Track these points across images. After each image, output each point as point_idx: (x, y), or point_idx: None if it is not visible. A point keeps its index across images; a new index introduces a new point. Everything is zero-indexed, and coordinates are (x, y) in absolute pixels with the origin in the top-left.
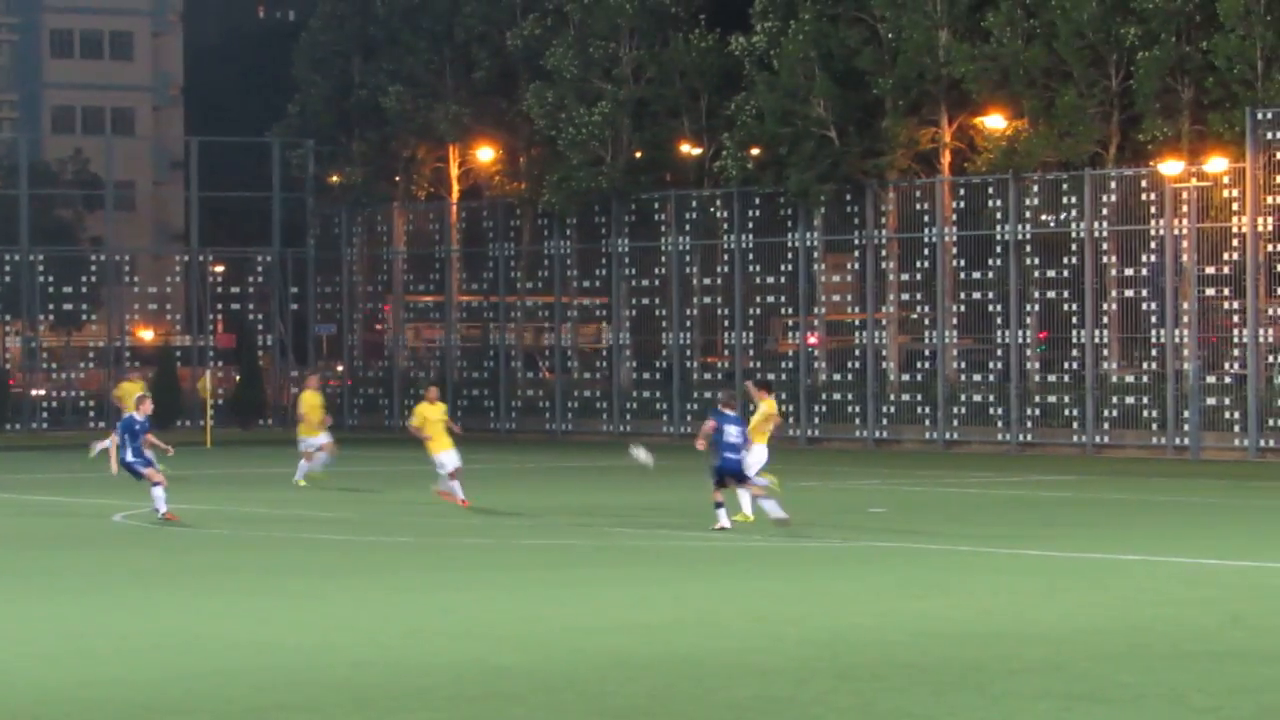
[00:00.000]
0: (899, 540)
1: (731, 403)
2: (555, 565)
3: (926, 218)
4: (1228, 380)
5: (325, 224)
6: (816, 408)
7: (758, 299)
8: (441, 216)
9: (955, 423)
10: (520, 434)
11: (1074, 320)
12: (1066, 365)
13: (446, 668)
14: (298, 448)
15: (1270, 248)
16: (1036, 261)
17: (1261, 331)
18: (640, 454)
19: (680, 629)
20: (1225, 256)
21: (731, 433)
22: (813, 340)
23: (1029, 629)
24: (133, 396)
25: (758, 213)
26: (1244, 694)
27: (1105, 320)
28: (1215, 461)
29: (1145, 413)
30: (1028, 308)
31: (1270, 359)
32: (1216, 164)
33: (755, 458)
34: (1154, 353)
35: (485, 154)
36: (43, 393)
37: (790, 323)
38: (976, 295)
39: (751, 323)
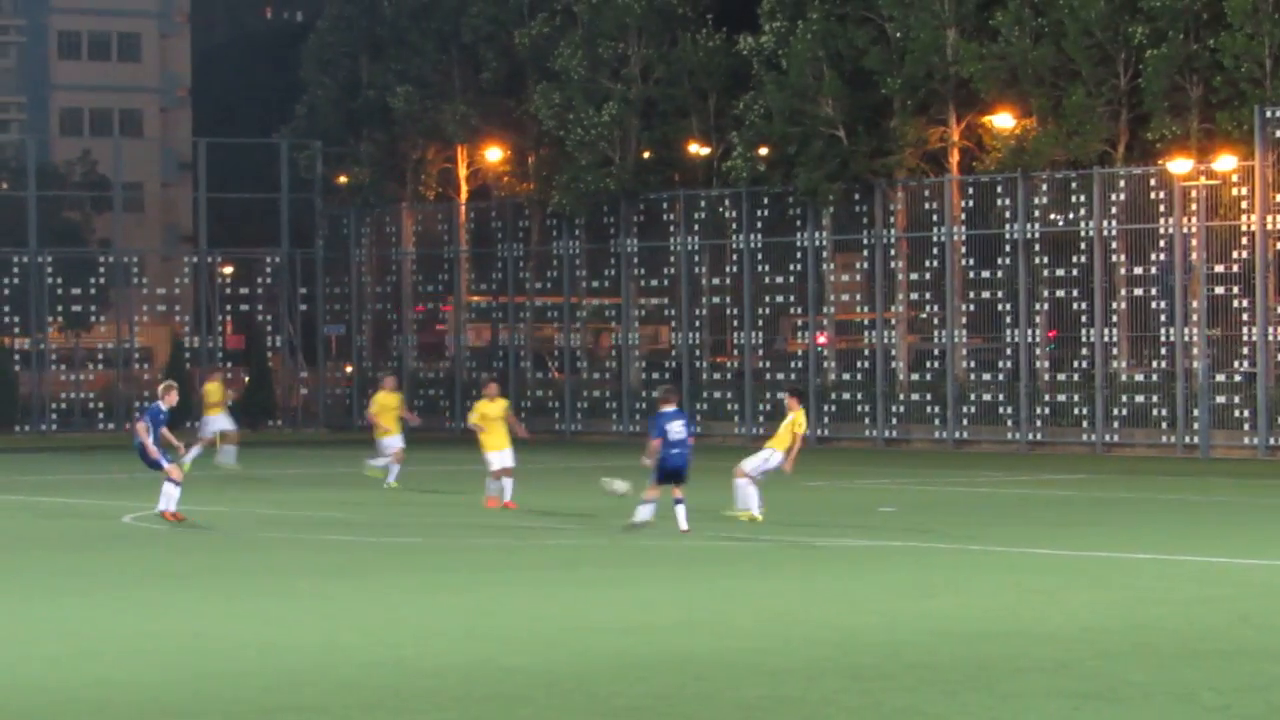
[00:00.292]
0: (909, 539)
1: (671, 398)
2: (563, 566)
3: (935, 217)
4: (1237, 379)
5: (333, 225)
6: (826, 407)
7: (766, 299)
8: (450, 217)
9: (965, 422)
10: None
11: (1083, 319)
12: (1076, 364)
13: (455, 668)
14: (378, 450)
15: None
16: (1045, 260)
17: (1271, 330)
18: (616, 485)
19: (689, 629)
20: (1234, 255)
21: (676, 428)
22: (822, 340)
23: (1038, 628)
24: (218, 395)
25: (766, 212)
26: (1253, 692)
27: (1114, 319)
28: (1225, 460)
29: (1155, 411)
30: (1037, 307)
31: None
32: (1225, 162)
33: (771, 463)
34: (1163, 351)
35: (493, 154)
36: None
37: (799, 322)
38: (985, 294)
39: (760, 322)
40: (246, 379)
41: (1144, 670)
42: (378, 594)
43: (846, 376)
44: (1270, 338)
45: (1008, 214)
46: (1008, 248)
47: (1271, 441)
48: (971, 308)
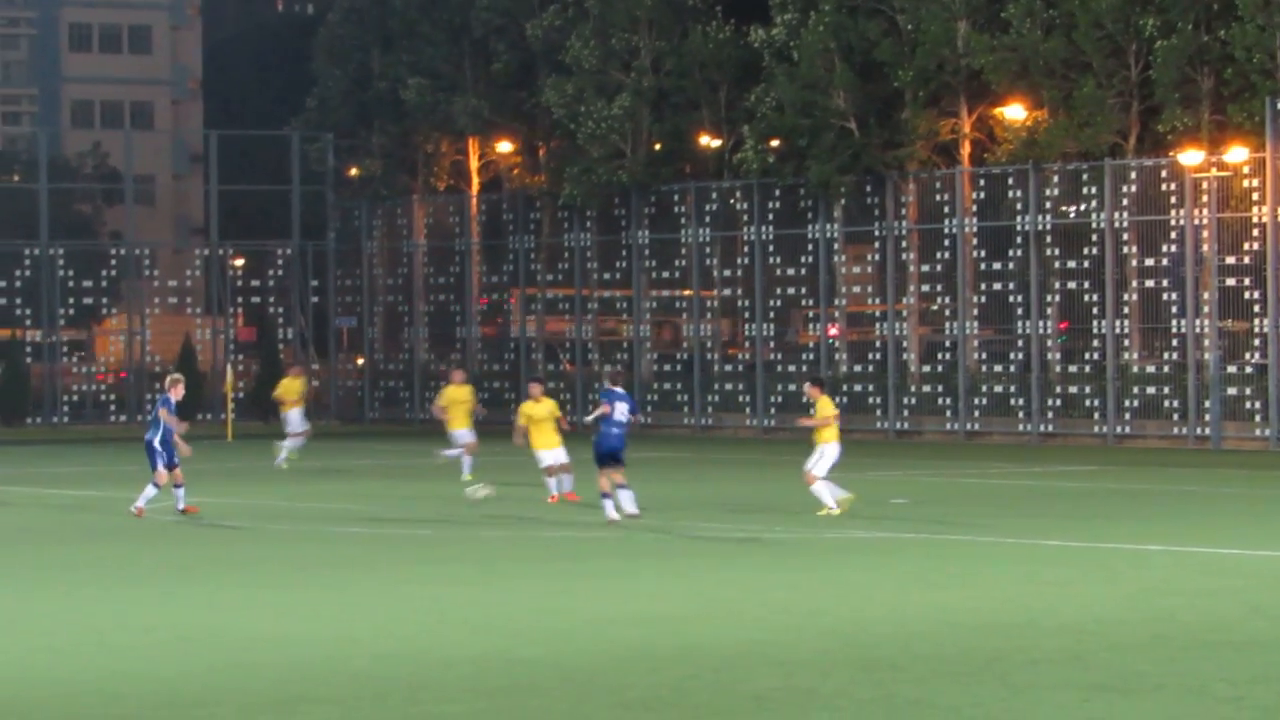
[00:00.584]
0: (920, 531)
1: (618, 379)
2: (575, 557)
3: (946, 209)
4: (1249, 370)
5: (345, 217)
6: (837, 399)
7: (778, 290)
8: (461, 209)
9: (976, 413)
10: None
11: (1094, 311)
12: (1087, 356)
13: (467, 660)
14: (450, 442)
15: None
16: (1057, 252)
17: None
18: (479, 492)
19: (701, 621)
20: (1246, 246)
21: (619, 409)
22: (833, 332)
23: (1050, 619)
24: (295, 392)
25: (778, 204)
26: (1266, 683)
27: (1126, 311)
28: (1236, 451)
29: (1166, 403)
30: (1048, 298)
31: None
32: (1236, 154)
33: (828, 458)
34: (1175, 343)
35: (505, 147)
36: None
37: (810, 314)
38: (997, 286)
39: (772, 314)
40: (257, 370)
41: (1156, 661)
42: (390, 586)
43: (858, 368)
44: None
45: (1019, 206)
46: (1019, 239)
47: None
48: (983, 299)
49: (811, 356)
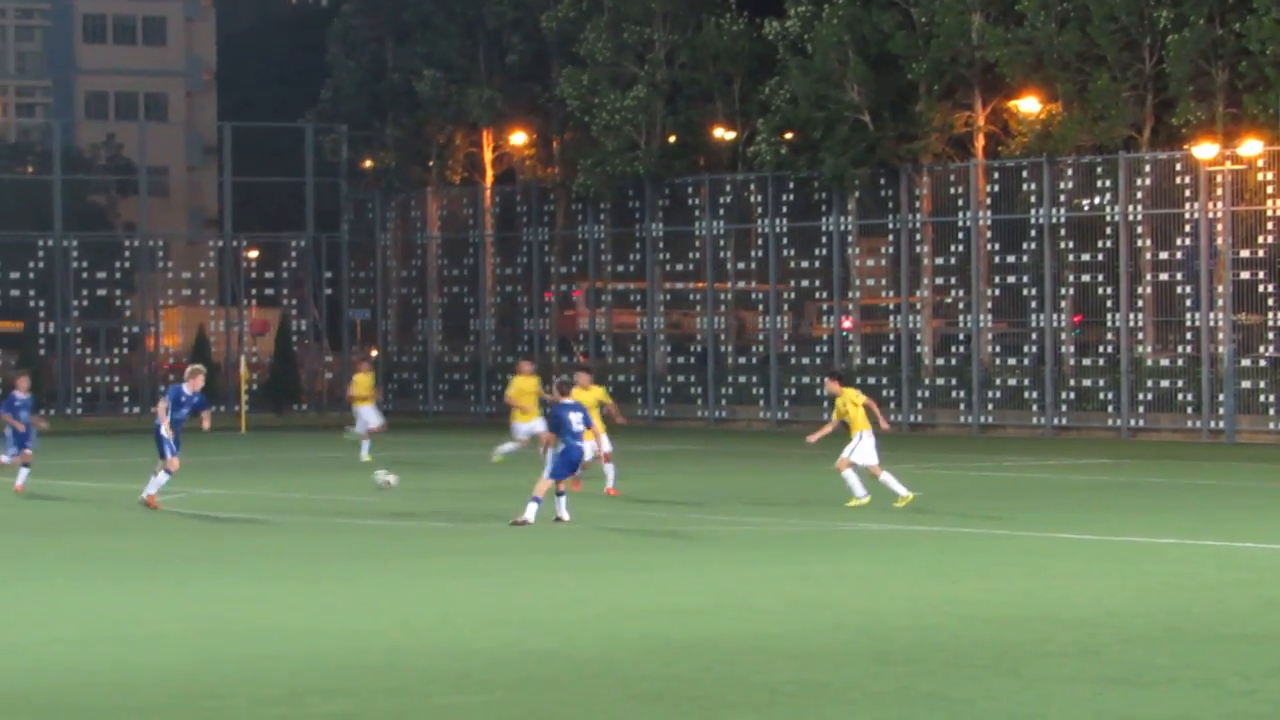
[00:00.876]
0: (934, 524)
1: (566, 389)
2: (590, 550)
3: (961, 201)
4: (1263, 364)
5: (359, 209)
6: None
7: (792, 283)
8: (475, 201)
9: (990, 406)
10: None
11: (1109, 304)
12: (1101, 349)
13: (482, 652)
14: (512, 435)
15: None
16: (1071, 245)
17: None
18: (385, 478)
19: (716, 613)
20: (1260, 240)
21: (574, 420)
22: (847, 324)
23: (1064, 612)
24: (367, 387)
25: (792, 197)
26: (1279, 676)
27: (1140, 304)
28: (1250, 445)
29: (1180, 396)
30: (1062, 291)
31: None
32: (1251, 147)
33: (866, 444)
34: (1189, 336)
35: (519, 138)
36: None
37: (824, 307)
38: (1011, 279)
39: (786, 307)
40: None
41: (1169, 655)
42: (403, 578)
43: (872, 361)
44: None
45: (1033, 199)
46: (1033, 232)
47: None
48: (997, 292)
49: (826, 349)
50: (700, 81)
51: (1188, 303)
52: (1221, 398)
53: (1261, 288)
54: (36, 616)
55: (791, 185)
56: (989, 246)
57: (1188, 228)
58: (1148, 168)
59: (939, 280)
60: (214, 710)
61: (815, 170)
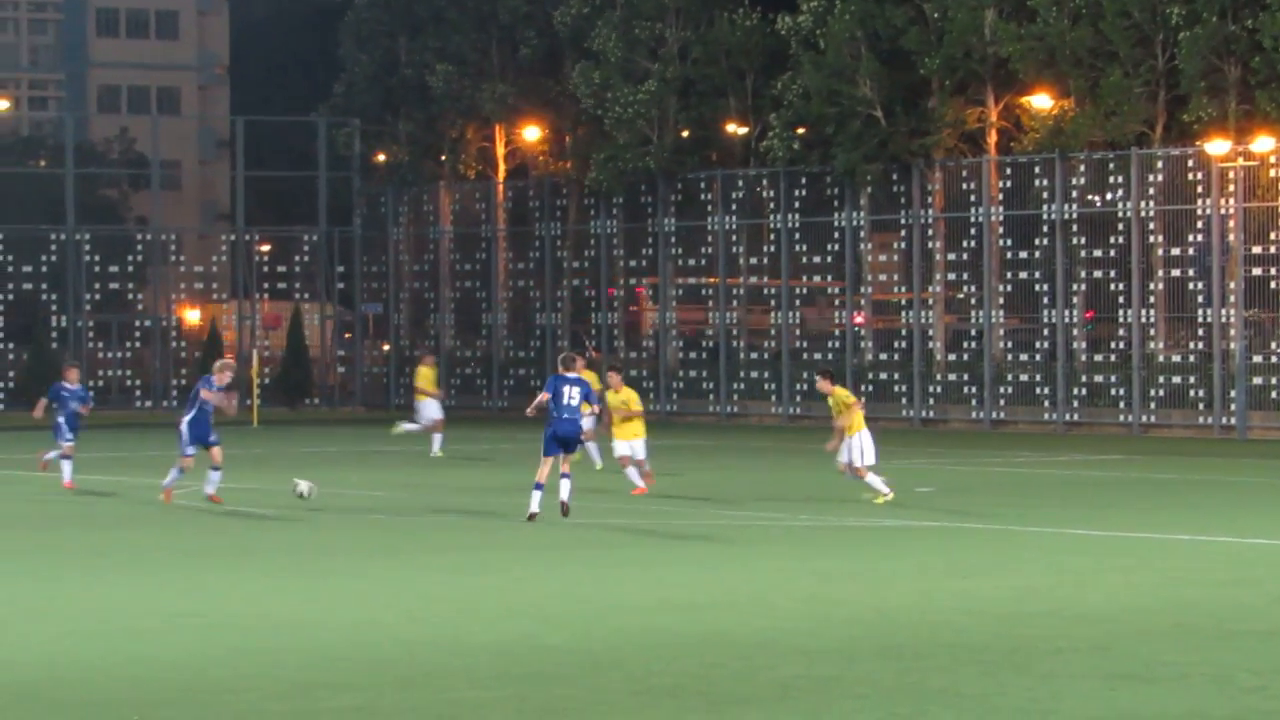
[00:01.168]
0: (945, 520)
1: (571, 364)
2: (600, 545)
3: (973, 197)
4: (1274, 360)
5: (371, 203)
6: (863, 387)
7: (804, 278)
8: (487, 196)
9: (1002, 402)
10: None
11: (1120, 300)
12: (1113, 345)
13: (492, 646)
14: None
15: None
16: (1083, 241)
17: None
18: (301, 487)
19: (726, 608)
20: (1272, 236)
21: (573, 394)
22: (859, 320)
23: (1075, 608)
24: (430, 380)
25: (804, 192)
26: None
27: (1152, 300)
28: (1262, 441)
29: (1192, 392)
30: (1074, 287)
31: None
32: (1263, 143)
33: (867, 445)
34: (1200, 332)
35: (531, 133)
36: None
37: (837, 302)
38: (1023, 275)
39: (798, 302)
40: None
41: (1180, 651)
42: (415, 572)
43: (884, 356)
44: None
45: (1045, 195)
46: (1045, 228)
47: None
48: (1009, 288)
49: (837, 344)
50: (713, 77)
51: (1199, 299)
52: (1233, 394)
53: (1273, 284)
54: (47, 609)
55: (804, 180)
56: (1001, 242)
57: (1200, 224)
58: (1160, 164)
59: (951, 276)
60: (224, 704)
61: (827, 165)
